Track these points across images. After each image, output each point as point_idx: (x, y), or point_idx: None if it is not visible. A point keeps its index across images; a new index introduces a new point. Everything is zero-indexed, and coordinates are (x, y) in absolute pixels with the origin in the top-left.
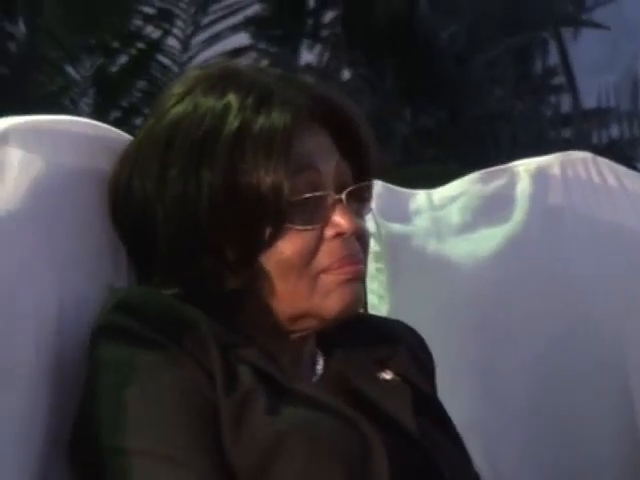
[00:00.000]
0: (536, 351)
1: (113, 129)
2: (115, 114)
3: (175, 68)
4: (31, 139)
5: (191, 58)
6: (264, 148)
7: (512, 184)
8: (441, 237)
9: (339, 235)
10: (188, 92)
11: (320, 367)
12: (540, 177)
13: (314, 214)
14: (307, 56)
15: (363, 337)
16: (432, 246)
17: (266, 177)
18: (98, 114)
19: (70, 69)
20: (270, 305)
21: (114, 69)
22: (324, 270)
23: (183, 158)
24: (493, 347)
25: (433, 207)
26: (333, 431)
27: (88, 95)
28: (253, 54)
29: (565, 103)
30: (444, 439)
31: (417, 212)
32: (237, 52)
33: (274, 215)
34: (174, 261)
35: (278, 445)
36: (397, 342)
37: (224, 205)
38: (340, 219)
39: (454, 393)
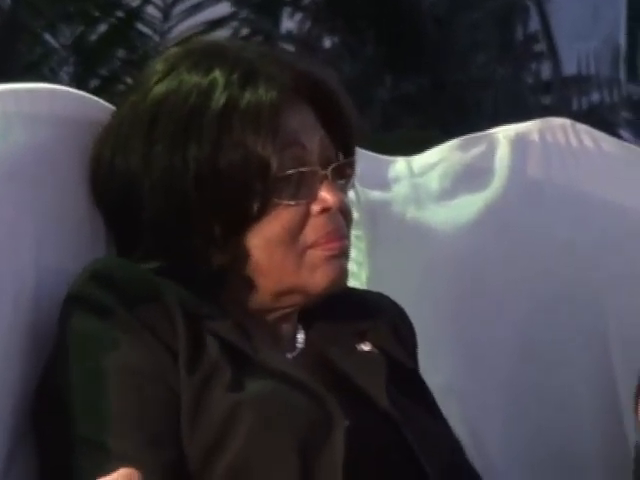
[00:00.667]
0: (516, 318)
1: (92, 97)
2: (95, 82)
3: (156, 37)
4: (10, 107)
5: (171, 27)
6: (252, 123)
7: (491, 151)
8: (420, 204)
9: (325, 210)
10: (171, 69)
11: (300, 342)
12: (519, 143)
13: (300, 189)
14: (288, 24)
15: (343, 309)
16: (411, 213)
17: (254, 152)
18: (78, 83)
19: (50, 38)
20: (255, 281)
21: (93, 38)
22: (310, 245)
23: (169, 135)
24: (473, 314)
25: (412, 174)
26: (293, 405)
27: (68, 64)
28: (234, 23)
29: (546, 70)
30: (421, 412)
31: (396, 179)
32: (218, 22)
33: (262, 190)
34: (159, 236)
35: (233, 416)
36: (377, 314)
37: (211, 181)
38: (326, 194)
39: (434, 361)
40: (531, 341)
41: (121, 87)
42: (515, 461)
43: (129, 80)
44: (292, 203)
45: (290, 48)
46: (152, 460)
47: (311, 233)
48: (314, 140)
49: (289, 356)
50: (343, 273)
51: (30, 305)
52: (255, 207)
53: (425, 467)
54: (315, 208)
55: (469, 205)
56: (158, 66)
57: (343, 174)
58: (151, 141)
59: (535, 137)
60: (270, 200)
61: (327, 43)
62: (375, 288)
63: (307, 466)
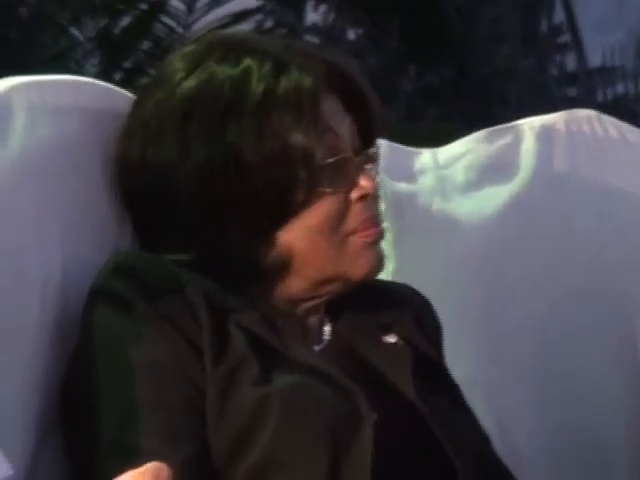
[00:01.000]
0: (542, 309)
1: (117, 89)
2: (119, 75)
3: (180, 30)
4: (35, 99)
5: (195, 20)
6: (293, 110)
7: (517, 142)
8: (446, 196)
9: (363, 197)
10: (198, 63)
11: (327, 334)
12: (545, 135)
13: (338, 177)
14: (312, 16)
15: (369, 301)
16: (437, 205)
17: (297, 140)
18: (103, 75)
19: (75, 31)
20: (295, 271)
21: (118, 30)
22: (351, 233)
23: (206, 127)
24: (499, 305)
25: (438, 166)
26: (321, 398)
27: (93, 56)
28: (258, 16)
29: (571, 61)
30: (447, 404)
31: (422, 171)
32: (242, 14)
33: (306, 179)
34: (193, 228)
35: (261, 409)
36: (402, 306)
37: (254, 171)
38: (364, 181)
39: (459, 353)
40: (556, 332)
41: (145, 79)
42: (541, 451)
43: (153, 72)
44: (332, 191)
45: (314, 40)
46: (177, 455)
47: (351, 220)
48: (344, 127)
49: (316, 348)
50: (382, 259)
51: (56, 299)
52: (300, 197)
53: (453, 460)
54: (354, 195)
55: (494, 197)
56: (179, 63)
57: (372, 160)
58: (187, 135)
59: (561, 129)
60: (314, 189)
61: (351, 35)
62: (401, 280)
63: (336, 459)
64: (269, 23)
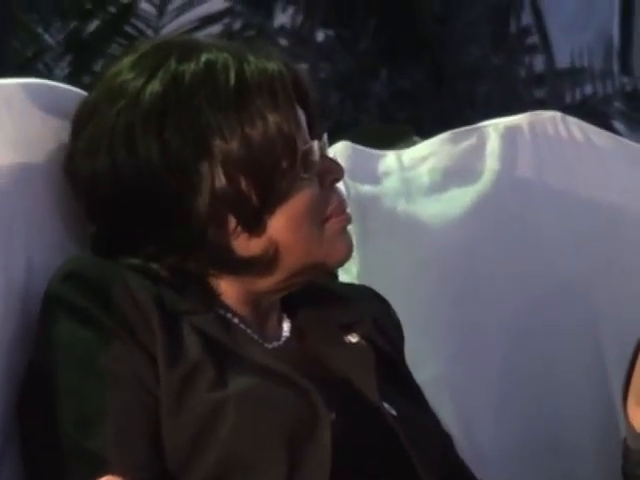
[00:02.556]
0: (508, 311)
1: (82, 92)
2: (89, 78)
3: (150, 33)
4: (0, 103)
5: (165, 24)
6: (268, 94)
7: (482, 144)
8: (411, 198)
9: (335, 181)
10: (155, 67)
11: (286, 331)
12: (509, 136)
13: (311, 164)
14: (281, 18)
15: (329, 301)
16: (402, 207)
17: (278, 127)
18: (72, 78)
19: (44, 34)
20: (275, 262)
21: (87, 34)
22: (327, 219)
23: (185, 126)
24: (463, 308)
25: (402, 168)
26: (277, 400)
27: (63, 60)
28: (226, 20)
29: (539, 62)
30: (409, 404)
31: (386, 173)
32: (211, 17)
33: (288, 167)
34: (183, 226)
35: (215, 415)
36: (362, 307)
37: (240, 163)
38: (334, 166)
39: (425, 353)
40: (523, 333)
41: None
42: (505, 451)
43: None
44: (309, 177)
45: (283, 42)
46: (132, 461)
47: (326, 206)
48: (302, 117)
49: (275, 345)
50: (352, 244)
51: (19, 306)
52: (283, 185)
53: (415, 461)
54: (328, 180)
55: (460, 199)
56: (130, 71)
57: (326, 149)
58: (164, 135)
59: (525, 130)
60: (295, 177)
61: (320, 37)
62: (365, 282)
63: (295, 461)
64: (237, 25)
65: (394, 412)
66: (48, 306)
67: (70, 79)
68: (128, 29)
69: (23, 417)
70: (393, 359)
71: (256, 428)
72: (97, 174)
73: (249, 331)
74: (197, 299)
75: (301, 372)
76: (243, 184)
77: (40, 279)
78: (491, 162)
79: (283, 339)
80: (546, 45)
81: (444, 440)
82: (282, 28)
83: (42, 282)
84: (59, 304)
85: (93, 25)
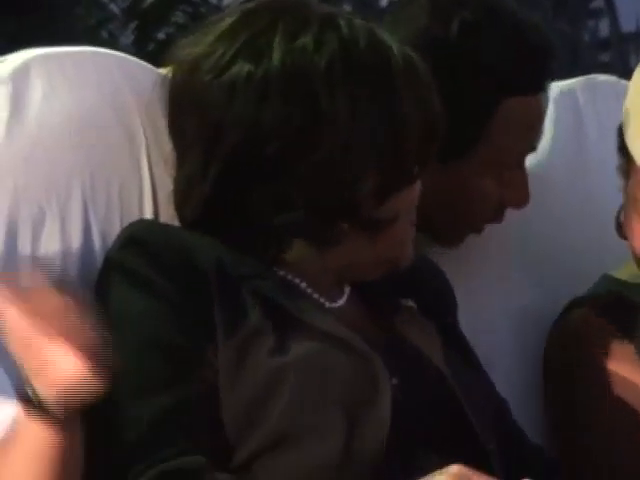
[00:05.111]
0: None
1: (136, 60)
2: (152, 46)
3: (213, 0)
4: (54, 71)
5: None
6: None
7: None
8: None
9: None
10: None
11: (347, 292)
12: (563, 101)
13: None
14: None
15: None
16: None
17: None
18: (136, 47)
19: (109, 3)
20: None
21: (150, 2)
22: None
23: (375, 97)
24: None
25: None
26: (339, 365)
27: (127, 28)
28: None
29: (604, 26)
30: (465, 368)
31: None
32: None
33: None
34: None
35: (276, 380)
36: (418, 273)
37: (408, 141)
38: None
39: None
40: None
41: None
42: None
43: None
44: None
45: (347, 6)
46: (188, 435)
47: None
48: None
49: (338, 304)
50: None
51: (77, 272)
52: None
53: (474, 424)
54: None
55: None
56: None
57: None
58: (352, 100)
59: (579, 94)
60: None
61: (384, 1)
62: None
63: (354, 426)
64: None
65: (452, 372)
66: (108, 271)
67: (134, 47)
68: None
69: None
70: (449, 324)
71: (316, 395)
72: (259, 126)
73: (310, 291)
74: (262, 261)
75: (362, 335)
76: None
77: (98, 247)
78: (546, 126)
79: (345, 298)
80: (611, 9)
81: (500, 404)
82: None
83: (99, 249)
84: (118, 270)
85: None
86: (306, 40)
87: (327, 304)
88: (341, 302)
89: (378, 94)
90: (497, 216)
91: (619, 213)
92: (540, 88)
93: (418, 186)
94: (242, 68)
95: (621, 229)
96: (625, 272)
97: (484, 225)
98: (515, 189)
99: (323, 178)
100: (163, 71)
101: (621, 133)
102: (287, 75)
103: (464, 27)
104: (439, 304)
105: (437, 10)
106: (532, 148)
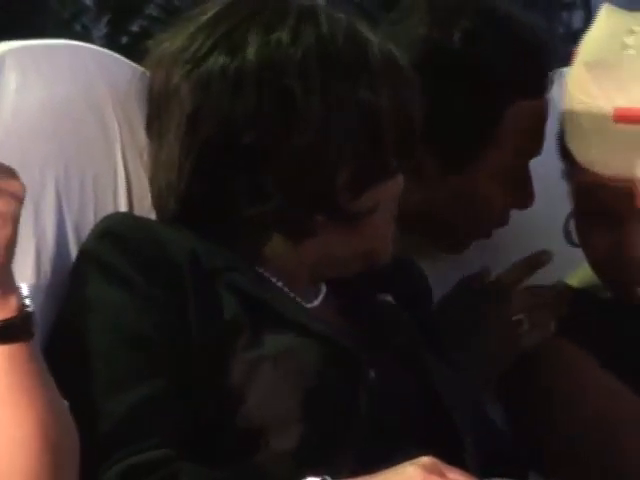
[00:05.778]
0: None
1: (110, 53)
2: (126, 39)
3: None
4: (27, 63)
5: None
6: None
7: None
8: None
9: None
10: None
11: (323, 290)
12: None
13: None
14: None
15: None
16: None
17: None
18: (109, 40)
19: None
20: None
21: None
22: None
23: (341, 87)
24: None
25: None
26: (316, 359)
27: (100, 21)
28: None
29: (577, 19)
30: (440, 360)
31: None
32: None
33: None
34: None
35: (251, 374)
36: (395, 268)
37: (385, 128)
38: None
39: None
40: None
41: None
42: None
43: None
44: None
45: None
46: (161, 426)
47: None
48: None
49: (315, 303)
50: None
51: (50, 266)
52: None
53: (453, 415)
54: None
55: None
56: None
57: None
58: (327, 92)
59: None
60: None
61: None
62: None
63: (331, 419)
64: None
65: (429, 366)
66: (82, 264)
67: (108, 40)
68: None
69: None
70: (424, 317)
71: (292, 388)
72: (238, 117)
73: (287, 290)
74: (238, 254)
75: (339, 330)
76: (383, 147)
77: (70, 239)
78: None
79: (320, 298)
80: (584, 1)
81: (474, 395)
82: None
83: (72, 242)
84: (93, 263)
85: None
86: (282, 33)
87: (303, 303)
88: (317, 302)
89: (353, 87)
90: (503, 218)
91: (567, 221)
92: (544, 89)
93: (400, 181)
94: (217, 60)
95: (570, 236)
96: (576, 278)
97: (491, 229)
98: (520, 190)
99: (297, 170)
100: (137, 64)
101: (561, 137)
102: (261, 67)
103: (465, 36)
104: (416, 295)
105: (436, 20)
106: (539, 150)
